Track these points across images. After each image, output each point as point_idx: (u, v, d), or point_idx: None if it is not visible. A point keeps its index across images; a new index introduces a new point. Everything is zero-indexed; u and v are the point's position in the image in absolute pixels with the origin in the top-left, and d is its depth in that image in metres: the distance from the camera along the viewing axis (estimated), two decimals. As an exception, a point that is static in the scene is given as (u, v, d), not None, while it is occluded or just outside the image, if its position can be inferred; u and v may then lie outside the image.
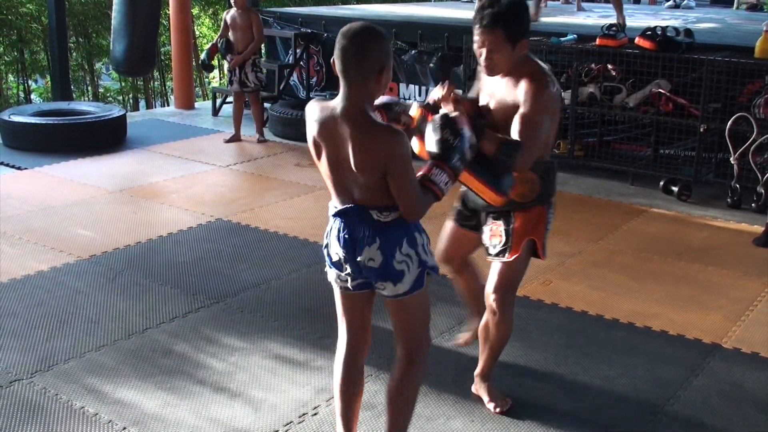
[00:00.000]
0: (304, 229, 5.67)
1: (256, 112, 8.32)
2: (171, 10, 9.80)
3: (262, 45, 8.99)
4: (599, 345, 4.12)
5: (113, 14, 8.23)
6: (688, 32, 7.04)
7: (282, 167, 7.42)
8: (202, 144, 8.22)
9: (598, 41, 7.08)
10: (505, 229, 3.22)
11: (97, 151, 7.68)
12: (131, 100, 11.08)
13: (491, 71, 3.06)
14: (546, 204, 3.25)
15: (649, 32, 6.89)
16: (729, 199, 6.49)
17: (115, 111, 8.32)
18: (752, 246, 5.56)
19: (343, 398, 2.96)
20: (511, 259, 3.25)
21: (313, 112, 2.71)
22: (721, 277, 5.03)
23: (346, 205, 2.72)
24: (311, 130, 2.71)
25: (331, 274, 2.87)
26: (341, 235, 2.73)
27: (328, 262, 2.85)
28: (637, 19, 9.73)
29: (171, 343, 4.07)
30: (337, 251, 2.77)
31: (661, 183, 6.79)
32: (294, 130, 8.31)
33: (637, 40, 6.91)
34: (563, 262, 5.20)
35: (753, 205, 6.33)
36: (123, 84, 10.69)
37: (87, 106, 8.47)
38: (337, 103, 2.65)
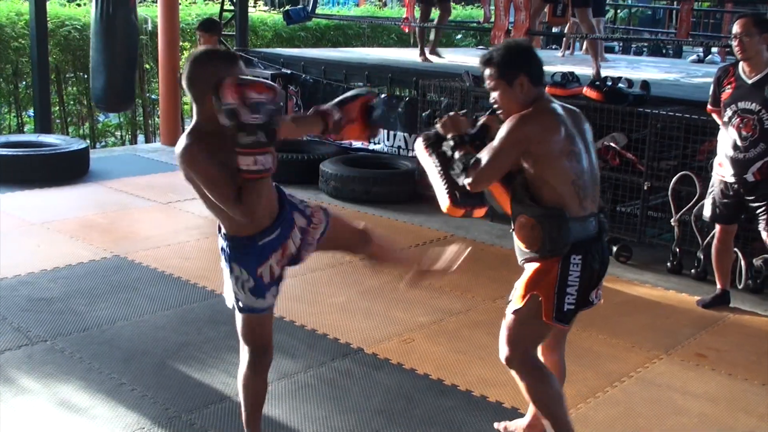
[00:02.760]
0: (194, 271, 5.48)
1: None
2: (159, 46, 9.85)
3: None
4: (416, 413, 3.77)
5: (91, 52, 8.33)
6: (644, 84, 6.64)
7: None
8: (159, 180, 8.14)
9: (546, 90, 6.72)
10: (520, 280, 3.13)
11: (53, 183, 7.67)
12: (129, 135, 11.12)
13: (499, 111, 3.09)
14: (559, 259, 2.96)
15: (598, 82, 6.53)
16: (669, 264, 6.02)
17: (75, 144, 8.33)
18: (661, 316, 5.10)
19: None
20: (512, 310, 3.12)
21: None
22: (607, 347, 4.60)
23: None
24: None
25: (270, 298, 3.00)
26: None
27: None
28: (647, 72, 9.34)
29: (-34, 379, 3.90)
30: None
31: (603, 242, 6.36)
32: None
33: (584, 90, 6.56)
34: (441, 320, 4.86)
35: (692, 271, 5.85)
36: (122, 119, 10.74)
37: (54, 139, 8.50)
38: None
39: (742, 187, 4.90)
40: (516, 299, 3.10)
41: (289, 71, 9.21)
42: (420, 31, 9.75)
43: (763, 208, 4.87)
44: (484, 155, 2.98)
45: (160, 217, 6.92)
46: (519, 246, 3.11)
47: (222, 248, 2.96)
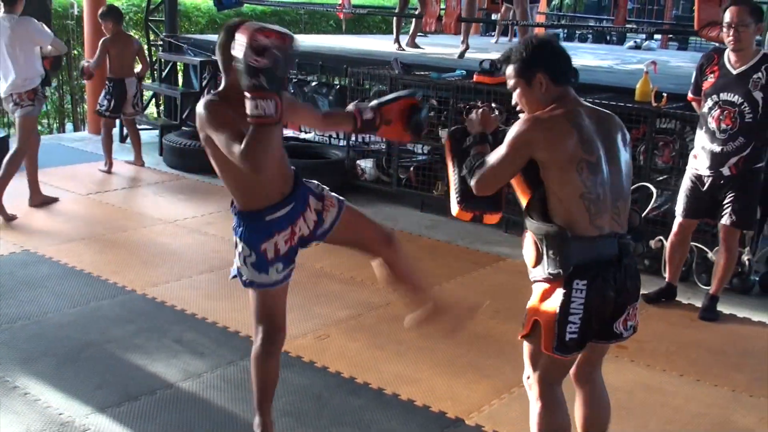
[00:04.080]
0: (107, 266, 5.28)
1: (136, 139, 8.02)
2: (85, 31, 9.56)
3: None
4: (324, 413, 3.64)
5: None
6: (574, 72, 6.55)
7: (144, 199, 7.05)
8: (82, 171, 7.89)
9: (474, 77, 6.65)
10: (529, 301, 2.85)
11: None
12: (57, 124, 10.79)
13: (521, 113, 2.86)
14: (561, 283, 2.67)
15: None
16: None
17: (-7, 134, 8.02)
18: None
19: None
20: (520, 335, 2.86)
21: None
22: (527, 339, 4.51)
23: None
24: None
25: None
26: None
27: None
28: (582, 59, 9.30)
29: None
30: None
31: (530, 232, 6.28)
32: (188, 161, 7.93)
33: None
34: (360, 315, 4.73)
35: (645, 261, 5.77)
36: (48, 107, 10.41)
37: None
38: None
39: (717, 181, 4.72)
40: (524, 324, 2.82)
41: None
42: (397, 20, 9.60)
43: (728, 204, 4.71)
44: (489, 158, 2.78)
45: (77, 209, 6.68)
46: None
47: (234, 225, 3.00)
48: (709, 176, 4.75)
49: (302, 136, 8.24)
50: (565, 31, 17.67)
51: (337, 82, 8.16)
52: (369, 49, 9.21)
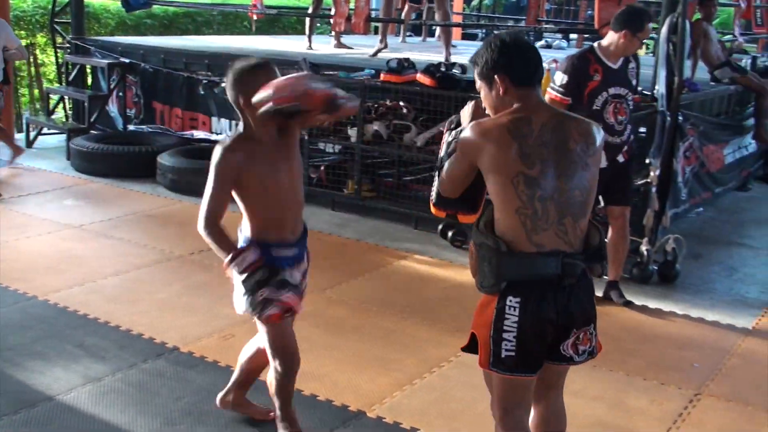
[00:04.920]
0: (8, 273, 5.17)
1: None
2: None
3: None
4: (225, 412, 3.63)
5: None
6: (539, 73, 6.67)
7: (50, 204, 6.91)
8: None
9: (382, 77, 6.71)
10: None
11: None
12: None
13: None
14: (495, 297, 2.54)
15: (432, 68, 6.53)
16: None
17: None
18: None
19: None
20: (461, 347, 2.77)
21: None
22: (432, 332, 4.59)
23: None
24: None
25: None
26: None
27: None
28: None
29: None
30: None
31: (440, 227, 6.38)
32: (96, 165, 7.81)
33: (418, 76, 6.56)
34: (266, 314, 4.73)
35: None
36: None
37: None
38: None
39: (614, 171, 4.92)
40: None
41: (127, 61, 8.85)
42: (310, 20, 9.65)
43: (619, 188, 4.98)
44: (450, 159, 2.69)
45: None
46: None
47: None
48: (606, 168, 4.89)
49: (213, 137, 8.18)
50: (483, 31, 17.92)
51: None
52: (280, 49, 9.21)
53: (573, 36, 13.93)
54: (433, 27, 10.79)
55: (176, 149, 7.72)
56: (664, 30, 5.70)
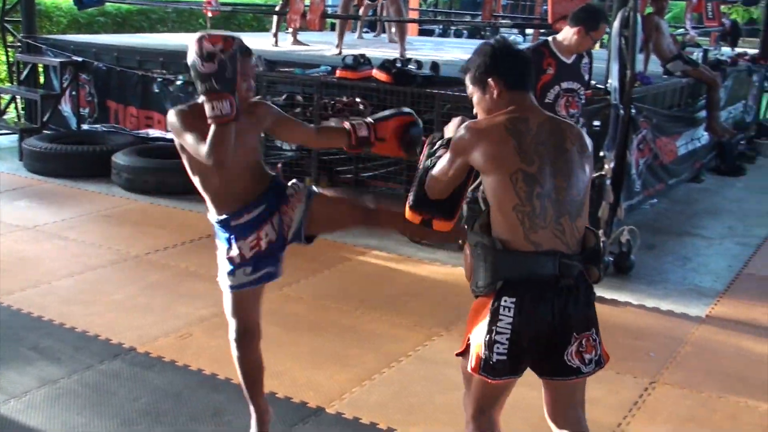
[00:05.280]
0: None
1: None
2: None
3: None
4: (184, 411, 3.62)
5: None
6: (434, 66, 6.71)
7: (2, 205, 6.80)
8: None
9: (337, 73, 6.71)
10: None
11: None
12: None
13: None
14: (492, 298, 2.49)
15: (387, 64, 6.55)
16: (460, 241, 6.11)
17: None
18: (448, 294, 5.16)
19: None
20: (455, 353, 2.69)
21: None
22: (390, 327, 4.61)
23: None
24: None
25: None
26: None
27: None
28: (450, 53, 9.52)
29: None
30: None
31: (398, 223, 6.38)
32: (50, 165, 7.70)
33: (374, 72, 6.56)
34: (223, 312, 4.69)
35: (482, 247, 5.95)
36: None
37: None
38: None
39: None
40: (463, 341, 2.65)
41: (80, 59, 8.73)
42: (278, 17, 9.62)
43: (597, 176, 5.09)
44: (439, 161, 2.69)
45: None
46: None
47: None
48: None
49: (169, 136, 8.10)
50: (441, 27, 17.97)
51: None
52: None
53: (529, 31, 14.05)
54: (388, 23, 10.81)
55: (131, 148, 7.64)
56: (616, 24, 5.75)
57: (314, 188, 3.18)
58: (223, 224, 3.05)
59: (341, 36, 8.83)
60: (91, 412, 3.59)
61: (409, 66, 6.59)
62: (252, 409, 3.30)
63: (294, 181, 3.18)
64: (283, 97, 7.27)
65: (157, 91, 8.15)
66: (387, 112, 3.22)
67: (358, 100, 6.76)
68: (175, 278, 5.20)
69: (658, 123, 7.16)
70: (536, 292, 2.47)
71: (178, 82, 8.09)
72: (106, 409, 3.62)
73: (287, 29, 9.37)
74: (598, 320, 2.60)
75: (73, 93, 8.81)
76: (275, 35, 9.44)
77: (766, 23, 11.34)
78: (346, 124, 3.11)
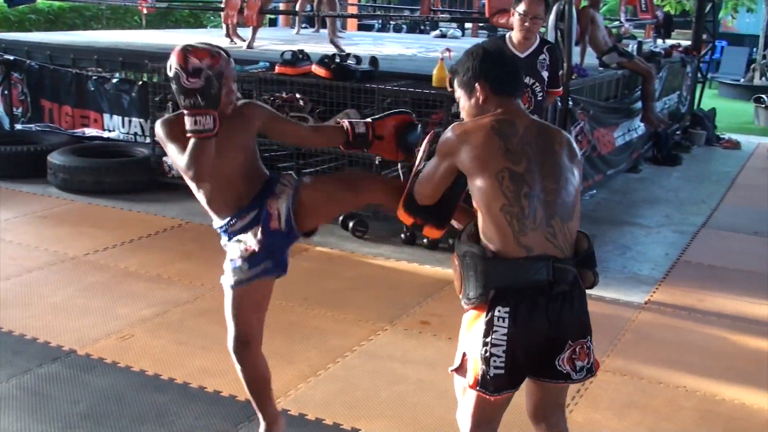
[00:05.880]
0: None
1: None
2: None
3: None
4: (126, 412, 3.57)
5: None
6: (373, 60, 6.71)
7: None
8: None
9: (276, 69, 6.66)
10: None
11: None
12: None
13: None
14: (485, 309, 2.40)
15: (326, 60, 6.52)
16: (403, 235, 6.14)
17: None
18: (391, 288, 5.18)
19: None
20: (450, 369, 2.57)
21: None
22: (334, 323, 4.59)
23: None
24: None
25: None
26: None
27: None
28: (389, 48, 9.54)
29: None
30: None
31: (340, 218, 6.38)
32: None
33: (313, 68, 6.54)
34: (165, 312, 4.66)
35: (425, 240, 5.98)
36: None
37: None
38: None
39: None
40: (456, 357, 2.55)
41: (11, 57, 8.53)
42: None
43: None
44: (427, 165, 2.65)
45: None
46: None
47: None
48: None
49: (106, 135, 7.98)
50: (380, 21, 18.00)
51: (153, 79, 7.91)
52: (173, 43, 8.99)
53: (468, 25, 14.13)
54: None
55: (67, 148, 7.48)
56: (552, 17, 5.83)
57: (304, 179, 3.09)
58: (223, 230, 3.01)
59: (254, 31, 8.75)
60: (30, 417, 3.51)
61: (348, 61, 6.58)
62: (261, 418, 3.24)
63: (290, 173, 3.10)
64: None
65: (92, 89, 7.99)
66: (386, 112, 3.13)
67: (297, 96, 6.71)
68: (115, 279, 5.11)
69: (596, 115, 7.27)
70: (530, 300, 2.37)
71: (114, 80, 7.96)
72: (45, 413, 3.54)
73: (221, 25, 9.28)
74: (591, 326, 2.53)
75: (5, 92, 8.59)
76: (233, 33, 9.28)
77: (698, 15, 11.58)
78: (345, 123, 3.02)
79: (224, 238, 3.02)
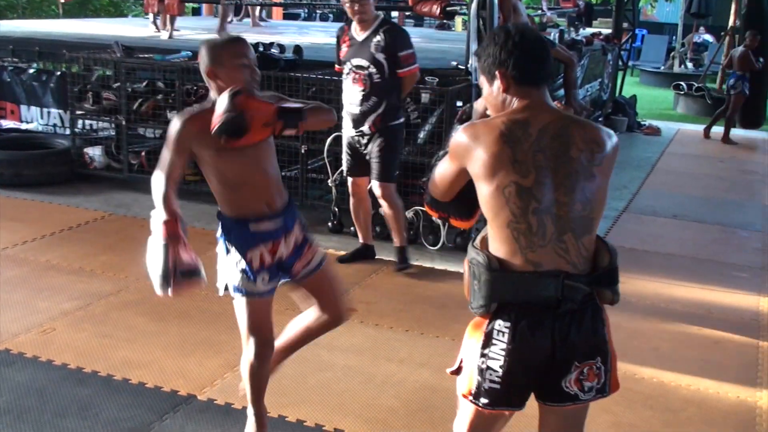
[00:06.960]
0: None
1: None
2: None
3: None
4: (48, 407, 3.50)
5: None
6: (297, 49, 6.70)
7: None
8: None
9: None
10: None
11: None
12: None
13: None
14: (486, 320, 2.26)
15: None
16: (330, 224, 6.14)
17: None
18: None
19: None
20: (449, 371, 2.45)
21: None
22: (261, 312, 4.57)
23: None
24: None
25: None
26: None
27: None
28: (314, 37, 9.49)
29: None
30: None
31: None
32: None
33: (236, 56, 6.47)
34: (89, 304, 4.59)
35: (351, 228, 5.99)
36: None
37: None
38: None
39: (362, 139, 5.16)
40: (456, 361, 2.43)
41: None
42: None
43: (375, 161, 5.14)
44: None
45: None
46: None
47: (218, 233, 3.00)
48: (354, 136, 5.22)
49: (24, 126, 7.79)
50: (306, 10, 17.93)
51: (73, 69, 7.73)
52: (91, 32, 8.86)
53: (394, 14, 14.15)
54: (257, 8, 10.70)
55: (-17, 140, 7.29)
56: (474, 5, 5.88)
57: (325, 254, 3.17)
58: (241, 226, 2.92)
59: (173, 21, 8.67)
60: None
61: (272, 50, 6.55)
62: (252, 412, 3.21)
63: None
64: (144, 83, 7.11)
65: (8, 80, 7.80)
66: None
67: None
68: (35, 273, 5.01)
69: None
70: (534, 317, 2.21)
71: (31, 71, 7.78)
72: (8, 417, 3.46)
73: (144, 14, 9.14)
74: (609, 347, 2.32)
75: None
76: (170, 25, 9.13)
77: (618, 4, 11.82)
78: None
79: (233, 235, 2.95)
